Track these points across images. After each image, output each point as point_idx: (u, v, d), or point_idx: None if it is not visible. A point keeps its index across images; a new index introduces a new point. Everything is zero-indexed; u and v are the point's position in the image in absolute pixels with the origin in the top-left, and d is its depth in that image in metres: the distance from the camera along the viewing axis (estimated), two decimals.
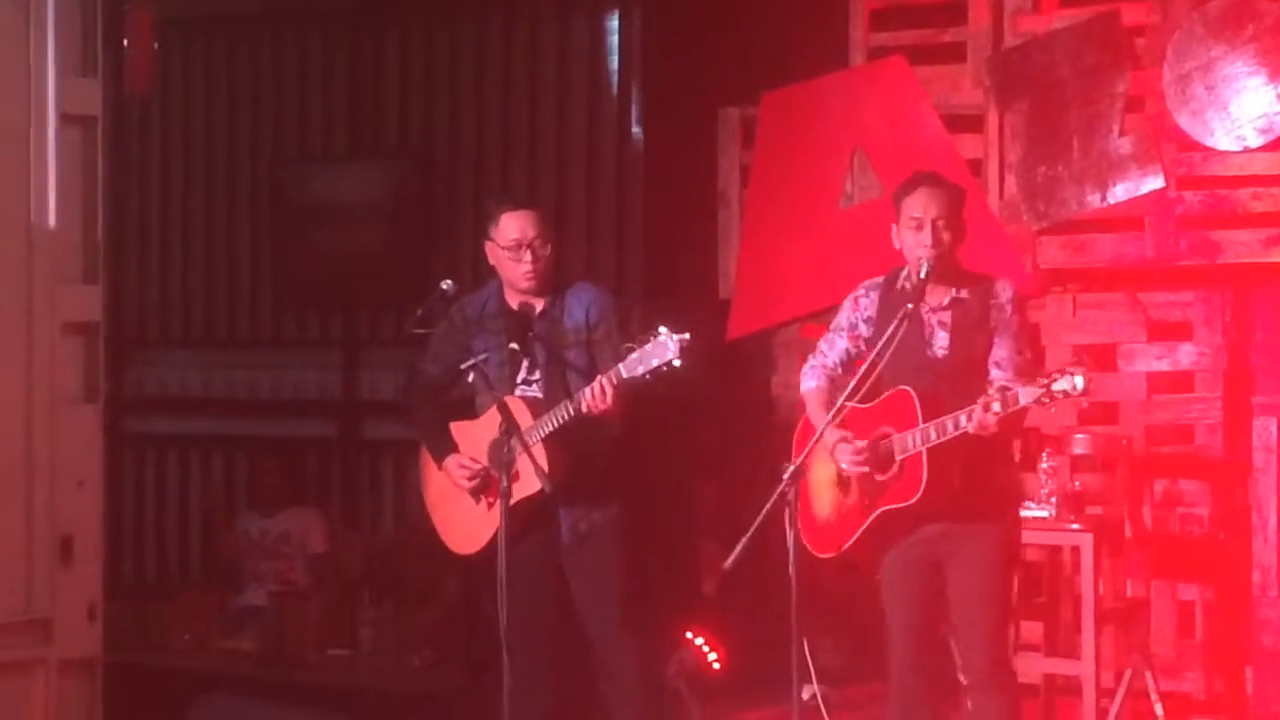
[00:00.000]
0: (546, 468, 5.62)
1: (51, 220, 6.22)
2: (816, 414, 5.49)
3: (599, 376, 5.60)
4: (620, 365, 5.53)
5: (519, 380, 5.85)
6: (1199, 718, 6.91)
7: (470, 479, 5.84)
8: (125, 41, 6.46)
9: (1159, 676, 6.74)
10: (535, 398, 5.80)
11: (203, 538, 10.03)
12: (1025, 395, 5.01)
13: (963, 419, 5.12)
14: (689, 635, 7.50)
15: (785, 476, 5.06)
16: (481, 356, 5.76)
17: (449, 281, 5.90)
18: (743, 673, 7.49)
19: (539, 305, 5.87)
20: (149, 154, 10.34)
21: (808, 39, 8.20)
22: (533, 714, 5.82)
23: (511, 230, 5.81)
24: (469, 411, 5.94)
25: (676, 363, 5.42)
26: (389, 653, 8.11)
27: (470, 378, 5.76)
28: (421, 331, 5.88)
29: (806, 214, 8.07)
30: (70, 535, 6.25)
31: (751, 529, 5.03)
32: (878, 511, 5.35)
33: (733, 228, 8.34)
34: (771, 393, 8.24)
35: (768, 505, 5.13)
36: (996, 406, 5.05)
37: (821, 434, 5.35)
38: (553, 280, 5.87)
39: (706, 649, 7.52)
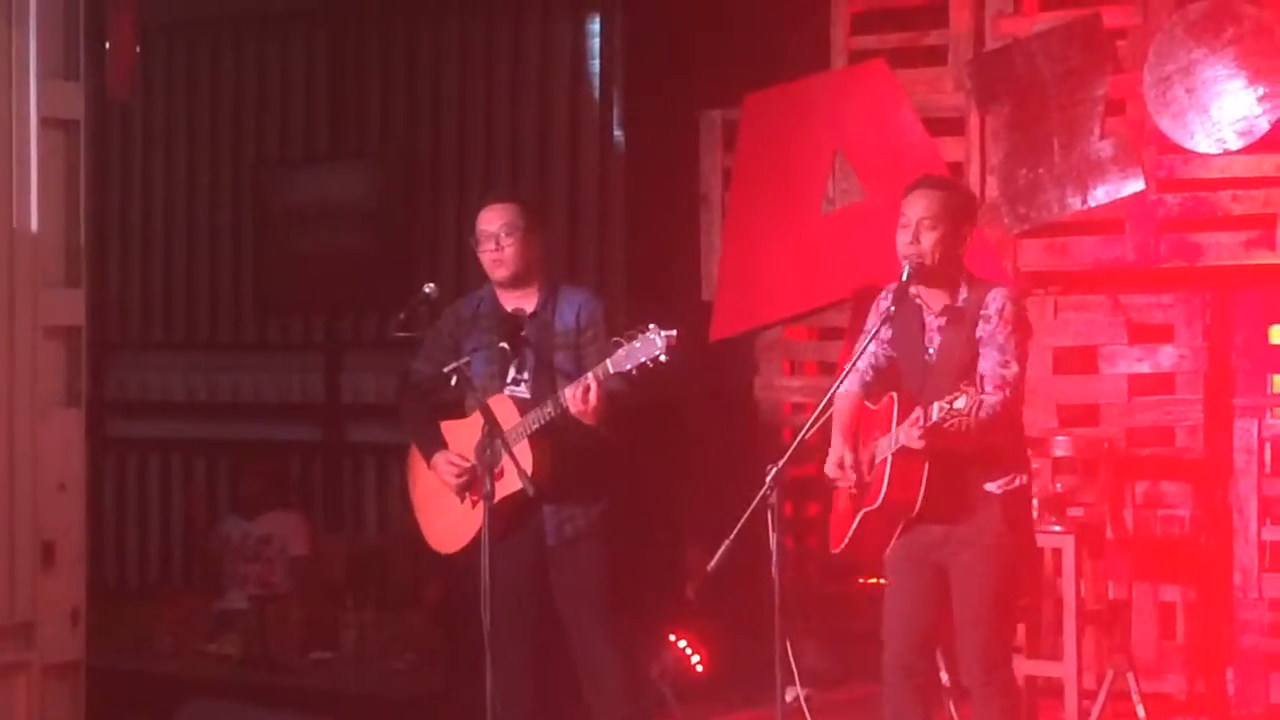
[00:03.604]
0: (531, 467, 5.64)
1: (33, 224, 6.21)
2: (838, 419, 5.52)
3: (586, 375, 5.62)
4: (608, 361, 5.56)
5: (508, 380, 5.88)
6: (1180, 719, 6.92)
7: (458, 476, 5.86)
8: (107, 45, 6.44)
9: (1140, 678, 6.75)
10: (523, 398, 5.83)
11: (185, 541, 10.02)
12: (935, 412, 5.06)
13: (900, 432, 5.21)
14: (672, 638, 7.50)
15: (768, 479, 5.05)
16: (465, 360, 5.77)
17: (431, 285, 5.90)
18: (726, 675, 7.49)
19: (530, 307, 5.91)
20: (131, 157, 10.34)
21: (789, 42, 8.22)
22: (513, 716, 5.82)
23: (480, 224, 5.92)
24: (460, 411, 5.97)
25: (663, 358, 5.47)
26: (371, 656, 8.08)
27: (453, 380, 5.76)
28: (404, 335, 5.88)
29: (788, 216, 8.07)
30: (52, 539, 6.23)
31: (734, 532, 5.02)
32: (861, 513, 5.39)
33: (715, 230, 8.35)
34: (754, 395, 8.25)
35: (751, 508, 5.14)
36: (921, 421, 5.12)
37: (802, 438, 5.32)
38: (525, 273, 5.90)
39: (689, 651, 7.53)
